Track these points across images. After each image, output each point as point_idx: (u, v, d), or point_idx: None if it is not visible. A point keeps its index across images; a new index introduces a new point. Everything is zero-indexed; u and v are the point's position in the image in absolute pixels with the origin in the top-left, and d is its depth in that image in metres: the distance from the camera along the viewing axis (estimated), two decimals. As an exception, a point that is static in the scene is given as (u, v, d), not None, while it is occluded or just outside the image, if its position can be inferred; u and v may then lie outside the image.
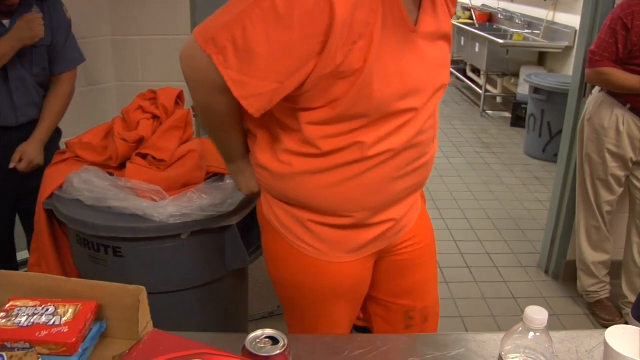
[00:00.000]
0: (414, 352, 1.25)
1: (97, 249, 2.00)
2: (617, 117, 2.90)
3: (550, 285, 3.45)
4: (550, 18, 6.22)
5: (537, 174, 5.17)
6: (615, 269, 3.22)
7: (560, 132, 5.24)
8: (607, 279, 3.20)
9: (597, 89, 3.01)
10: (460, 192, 4.70)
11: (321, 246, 1.47)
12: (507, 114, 6.89)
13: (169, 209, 1.90)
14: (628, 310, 3.06)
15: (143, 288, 1.09)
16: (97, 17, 2.89)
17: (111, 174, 2.11)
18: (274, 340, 0.92)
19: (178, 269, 2.01)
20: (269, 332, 0.93)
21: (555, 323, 3.08)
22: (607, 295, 3.21)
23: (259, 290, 2.83)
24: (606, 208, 3.07)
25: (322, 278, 1.51)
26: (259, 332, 0.93)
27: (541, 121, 5.43)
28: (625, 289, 3.11)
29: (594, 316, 3.17)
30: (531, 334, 0.96)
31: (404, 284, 1.65)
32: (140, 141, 2.12)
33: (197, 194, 1.96)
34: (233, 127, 1.48)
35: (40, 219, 2.17)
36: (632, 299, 3.05)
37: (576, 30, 5.71)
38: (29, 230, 2.56)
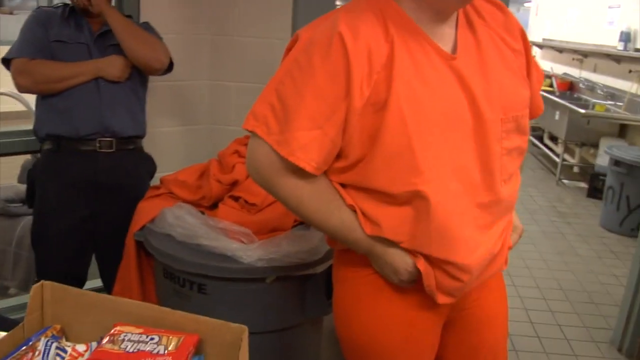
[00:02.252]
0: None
1: (183, 284, 2.07)
2: None
3: (623, 364, 3.35)
4: (634, 90, 6.14)
5: (613, 247, 5.05)
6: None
7: (639, 206, 5.17)
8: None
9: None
10: (534, 260, 4.62)
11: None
12: (584, 184, 6.77)
13: (257, 252, 1.96)
14: None
15: (246, 328, 1.14)
16: (197, 61, 3.02)
17: (202, 213, 2.20)
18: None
19: (258, 312, 2.05)
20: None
21: (628, 404, 2.97)
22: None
23: (329, 339, 2.85)
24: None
25: (394, 330, 1.48)
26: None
27: (620, 194, 5.32)
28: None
29: None
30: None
31: (475, 342, 1.60)
32: (234, 184, 2.21)
33: (286, 240, 2.02)
34: (332, 203, 1.40)
35: (129, 249, 2.27)
36: None
37: (661, 105, 5.63)
38: (104, 259, 2.63)
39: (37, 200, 2.49)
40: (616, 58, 6.48)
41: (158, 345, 1.12)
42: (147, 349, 1.11)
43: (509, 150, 1.40)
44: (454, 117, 1.31)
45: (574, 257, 4.78)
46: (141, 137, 2.57)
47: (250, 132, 1.35)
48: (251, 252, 1.97)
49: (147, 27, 2.54)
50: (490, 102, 1.34)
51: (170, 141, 3.05)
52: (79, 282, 2.54)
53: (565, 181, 7.00)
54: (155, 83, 2.85)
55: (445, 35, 1.36)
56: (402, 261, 1.39)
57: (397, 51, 1.28)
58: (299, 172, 1.33)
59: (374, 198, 1.36)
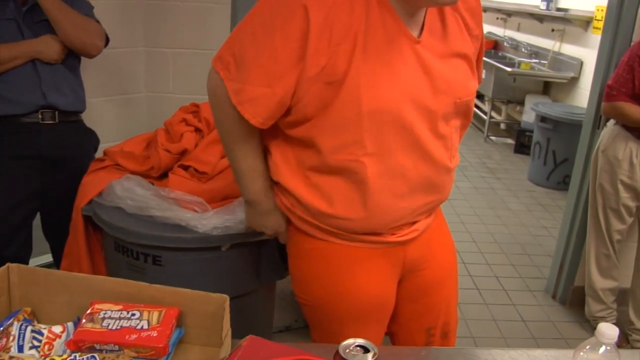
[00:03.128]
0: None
1: (137, 256, 2.04)
2: (631, 150, 2.98)
3: (557, 310, 3.52)
4: (556, 49, 6.34)
5: (541, 200, 5.26)
6: (622, 296, 3.30)
7: (565, 160, 5.38)
8: (614, 306, 3.28)
9: (612, 121, 3.10)
10: (468, 216, 4.77)
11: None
12: (511, 141, 6.99)
13: (212, 221, 1.96)
14: (635, 336, 3.14)
15: (226, 297, 1.15)
16: (131, 28, 2.94)
17: (152, 184, 2.17)
18: (365, 349, 0.98)
19: (215, 280, 2.06)
20: (360, 341, 0.99)
21: (563, 347, 3.13)
22: (614, 321, 3.28)
23: (278, 304, 2.88)
24: (616, 237, 3.15)
25: (348, 296, 1.54)
26: (350, 341, 0.99)
27: (547, 149, 5.53)
28: (632, 316, 3.18)
29: (601, 342, 3.24)
30: (602, 348, 1.02)
31: (428, 302, 1.69)
32: (183, 153, 2.18)
33: (239, 207, 2.01)
34: (247, 145, 1.51)
35: (77, 224, 2.22)
36: (639, 325, 3.13)
37: (582, 62, 5.83)
38: (53, 234, 2.59)
39: None
40: (539, 17, 6.66)
41: (140, 321, 1.12)
42: (130, 324, 1.11)
43: (456, 129, 1.52)
44: (412, 96, 1.35)
45: (505, 211, 4.96)
46: (82, 111, 2.52)
47: (215, 70, 1.40)
48: (206, 221, 1.96)
49: (80, 5, 2.43)
50: (446, 88, 1.40)
51: (108, 111, 2.98)
52: (21, 260, 2.46)
53: (493, 138, 7.20)
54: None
55: (414, 18, 1.37)
56: (277, 224, 1.62)
57: (362, 27, 1.29)
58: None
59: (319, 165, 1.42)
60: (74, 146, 2.47)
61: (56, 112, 2.36)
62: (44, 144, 2.37)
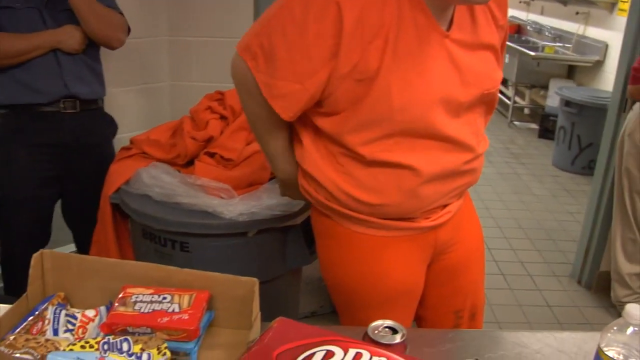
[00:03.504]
0: (501, 347, 1.31)
1: (164, 243, 2.07)
2: (657, 134, 2.95)
3: (583, 295, 3.50)
4: (581, 32, 6.26)
5: (566, 186, 5.22)
6: (649, 282, 3.27)
7: (590, 145, 5.33)
8: (641, 291, 3.26)
9: (638, 105, 3.07)
10: (492, 201, 4.75)
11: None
12: (534, 126, 6.94)
13: (238, 207, 1.98)
14: (662, 322, 3.11)
15: (256, 280, 1.17)
16: (154, 17, 2.96)
17: (178, 171, 2.19)
18: (393, 330, 0.99)
19: (242, 266, 2.08)
20: (388, 322, 1.00)
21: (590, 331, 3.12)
22: (640, 307, 3.26)
23: (304, 289, 2.90)
24: (644, 220, 3.13)
25: (376, 282, 1.54)
26: (379, 322, 1.01)
27: (571, 134, 5.48)
28: (659, 302, 3.16)
29: (627, 327, 3.22)
30: (630, 329, 1.02)
31: (456, 285, 1.69)
32: (209, 140, 2.20)
33: (265, 193, 2.04)
34: (277, 130, 1.53)
35: (105, 212, 2.25)
36: (666, 311, 3.11)
37: (607, 45, 5.75)
38: (75, 221, 2.62)
39: (1, 165, 2.44)
40: (563, 0, 6.58)
41: (172, 304, 1.14)
42: (162, 308, 1.13)
43: (481, 114, 1.52)
44: (439, 93, 1.35)
45: (530, 197, 4.93)
46: (102, 98, 2.54)
47: (242, 59, 1.40)
48: (232, 207, 1.99)
49: None
50: (474, 80, 1.40)
51: (132, 101, 3.00)
52: (42, 245, 2.51)
53: (516, 123, 7.15)
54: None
55: (445, 13, 1.37)
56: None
57: (393, 24, 1.29)
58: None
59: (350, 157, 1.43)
60: (94, 134, 2.49)
61: (77, 102, 2.37)
62: (66, 133, 2.39)
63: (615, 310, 3.32)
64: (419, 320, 1.77)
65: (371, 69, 1.30)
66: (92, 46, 2.39)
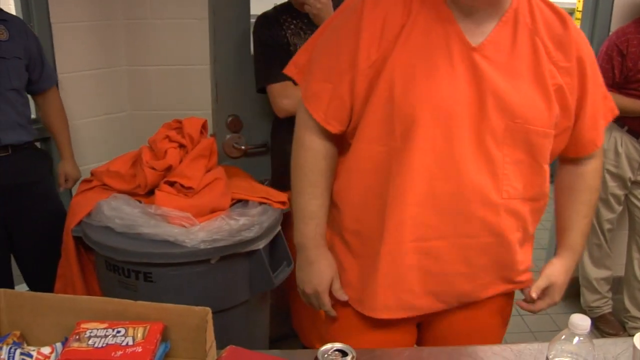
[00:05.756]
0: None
1: (128, 274, 2.06)
2: (615, 139, 3.01)
3: (553, 303, 3.54)
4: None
5: (533, 194, 5.27)
6: (616, 285, 3.32)
7: (555, 152, 5.40)
8: (610, 295, 3.30)
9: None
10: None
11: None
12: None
13: (200, 235, 1.98)
14: (631, 324, 3.17)
15: (209, 309, 1.17)
16: (113, 48, 2.96)
17: (139, 202, 2.19)
18: (343, 353, 1.00)
19: (207, 293, 2.08)
20: (337, 345, 1.01)
21: (561, 339, 3.15)
22: (610, 310, 3.30)
23: (275, 313, 2.90)
24: (607, 226, 3.18)
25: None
26: (328, 346, 1.01)
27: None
28: (628, 304, 3.21)
29: (598, 331, 3.26)
30: (576, 339, 1.04)
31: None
32: (168, 169, 2.20)
33: (226, 219, 2.05)
34: (315, 187, 1.46)
35: (68, 245, 2.24)
36: (635, 312, 3.16)
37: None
38: (25, 261, 2.60)
39: None
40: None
41: (125, 337, 1.14)
42: (116, 342, 1.13)
43: (515, 161, 1.35)
44: (450, 104, 1.29)
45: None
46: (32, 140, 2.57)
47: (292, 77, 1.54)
48: (194, 235, 1.99)
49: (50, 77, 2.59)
50: (499, 103, 1.30)
51: (93, 132, 2.98)
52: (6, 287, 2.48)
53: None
54: (73, 74, 2.79)
55: (479, 29, 1.32)
56: (318, 281, 1.49)
57: (410, 27, 1.31)
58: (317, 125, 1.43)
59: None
60: (29, 172, 2.49)
61: (9, 146, 2.39)
62: (1, 176, 2.39)
63: (586, 315, 3.35)
64: None
65: (380, 60, 1.32)
66: (20, 94, 2.43)
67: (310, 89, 1.42)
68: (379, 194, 1.37)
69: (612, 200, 3.11)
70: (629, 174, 3.04)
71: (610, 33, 3.06)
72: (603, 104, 1.47)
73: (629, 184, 3.07)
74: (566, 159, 1.52)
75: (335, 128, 1.41)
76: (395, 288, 1.39)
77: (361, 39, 1.32)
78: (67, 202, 2.55)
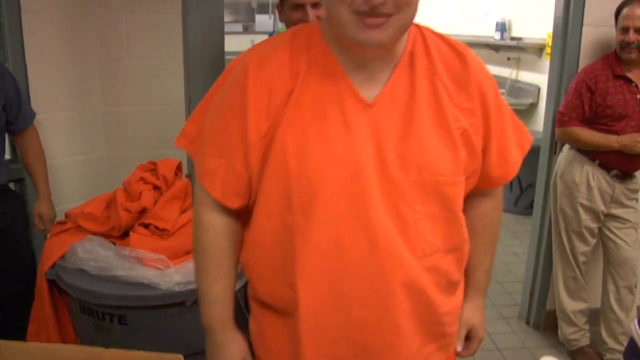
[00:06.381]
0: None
1: (102, 317, 2.05)
2: (587, 173, 3.06)
3: (532, 335, 3.55)
4: (514, 77, 6.48)
5: (510, 227, 5.32)
6: (593, 317, 3.34)
7: (530, 185, 5.45)
8: (587, 327, 3.31)
9: (567, 146, 3.19)
10: (438, 247, 4.80)
11: None
12: (477, 168, 7.08)
13: (174, 277, 1.98)
14: (609, 356, 3.18)
15: (180, 356, 1.17)
16: (89, 88, 2.97)
17: (114, 244, 2.18)
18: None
19: (181, 336, 2.07)
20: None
21: (540, 373, 3.16)
22: (588, 343, 3.31)
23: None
24: (582, 259, 3.21)
25: None
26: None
27: (511, 175, 5.60)
28: (605, 336, 3.22)
29: (576, 364, 3.28)
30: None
31: None
32: (143, 211, 2.21)
33: (201, 261, 2.04)
34: (218, 269, 1.37)
35: (41, 288, 2.23)
36: (612, 344, 3.17)
37: (539, 88, 5.96)
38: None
39: None
40: (495, 47, 6.81)
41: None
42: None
43: (428, 216, 1.26)
44: (350, 167, 1.21)
45: (475, 240, 5.00)
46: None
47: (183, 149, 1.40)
48: (169, 278, 1.99)
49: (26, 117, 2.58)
50: (402, 159, 1.22)
51: (70, 172, 2.99)
52: None
53: (459, 167, 7.29)
54: (48, 114, 2.80)
55: (373, 80, 1.24)
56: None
57: (299, 90, 1.22)
58: (215, 202, 1.32)
59: None
60: (4, 216, 2.48)
61: None
62: None
63: (564, 348, 3.37)
64: None
65: (271, 132, 1.22)
66: None
67: (204, 166, 1.31)
68: (286, 269, 1.27)
69: (586, 233, 3.14)
70: (601, 207, 3.08)
71: (579, 69, 3.13)
72: (515, 135, 1.40)
73: (602, 217, 3.11)
74: (467, 195, 1.38)
75: (235, 203, 1.32)
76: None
77: (248, 113, 1.22)
78: (41, 244, 2.54)
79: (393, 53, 1.24)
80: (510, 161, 1.39)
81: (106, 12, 2.92)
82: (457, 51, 1.29)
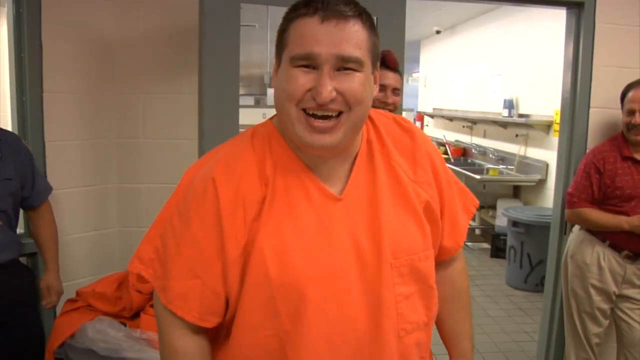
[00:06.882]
0: None
1: (110, 399, 2.03)
2: (598, 254, 3.05)
3: (545, 420, 3.48)
4: (522, 153, 6.54)
5: (520, 304, 5.27)
6: (608, 400, 3.27)
7: (540, 262, 5.43)
8: (602, 410, 3.25)
9: (577, 227, 3.19)
10: (449, 326, 4.75)
11: None
12: (487, 245, 7.07)
13: (184, 360, 1.96)
14: None
15: None
16: (104, 165, 3.03)
17: (124, 324, 2.18)
18: None
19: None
20: None
21: None
22: None
23: None
24: (594, 340, 3.16)
25: None
26: None
27: (521, 252, 5.59)
28: (620, 420, 3.15)
29: None
30: None
31: None
32: (154, 292, 2.21)
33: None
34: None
35: (50, 368, 2.21)
36: None
37: (547, 164, 6.01)
38: None
39: None
40: (502, 124, 6.90)
41: None
42: None
43: (407, 297, 1.28)
44: (332, 265, 1.21)
45: (485, 319, 4.95)
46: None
47: (137, 274, 1.31)
48: (179, 360, 1.97)
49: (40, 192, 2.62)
50: (376, 247, 1.24)
51: (82, 247, 3.01)
52: None
53: (469, 244, 7.27)
54: (64, 190, 2.84)
55: (336, 173, 1.26)
56: None
57: (271, 197, 1.21)
58: (187, 325, 1.25)
59: None
60: (12, 291, 2.44)
61: None
62: None
63: None
64: None
65: (250, 244, 1.19)
66: (7, 215, 2.43)
67: (173, 291, 1.22)
68: None
69: (598, 314, 3.11)
70: (613, 287, 3.06)
71: (587, 148, 3.17)
72: (461, 200, 1.44)
73: (614, 298, 3.09)
74: None
75: (212, 322, 1.26)
76: None
77: (224, 229, 1.18)
78: (50, 321, 2.54)
79: (351, 147, 1.26)
80: (460, 228, 1.43)
81: (124, 92, 3.00)
82: (404, 128, 1.36)
